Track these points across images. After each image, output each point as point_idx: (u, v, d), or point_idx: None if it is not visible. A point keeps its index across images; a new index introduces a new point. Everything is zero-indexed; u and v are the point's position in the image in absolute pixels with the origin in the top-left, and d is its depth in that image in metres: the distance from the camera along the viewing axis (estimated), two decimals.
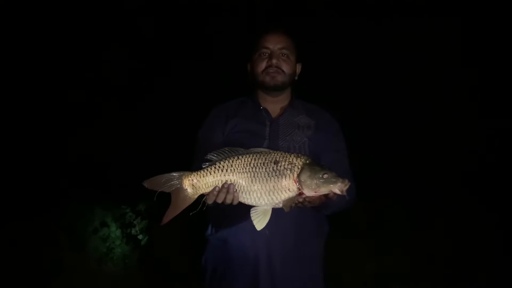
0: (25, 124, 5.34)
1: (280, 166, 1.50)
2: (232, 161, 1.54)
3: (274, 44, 1.79)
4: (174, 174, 1.56)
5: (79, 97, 5.66)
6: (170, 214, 1.57)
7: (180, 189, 1.55)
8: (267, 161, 1.52)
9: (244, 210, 1.57)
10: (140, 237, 3.71)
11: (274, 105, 1.88)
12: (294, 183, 1.49)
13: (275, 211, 1.56)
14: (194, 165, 1.73)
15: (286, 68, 1.81)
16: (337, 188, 1.47)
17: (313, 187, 1.47)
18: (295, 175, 1.49)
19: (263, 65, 1.80)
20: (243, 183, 1.52)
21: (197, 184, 1.55)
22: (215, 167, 1.54)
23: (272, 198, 1.51)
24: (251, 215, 1.54)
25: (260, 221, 1.53)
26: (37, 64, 5.63)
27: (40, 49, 5.61)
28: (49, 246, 3.77)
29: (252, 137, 1.78)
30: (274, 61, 1.78)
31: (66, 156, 5.18)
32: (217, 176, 1.54)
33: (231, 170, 1.53)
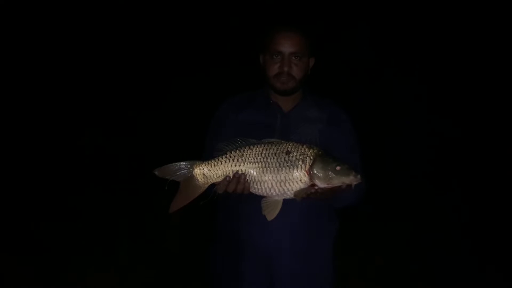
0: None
1: (292, 157, 1.49)
2: (244, 151, 1.52)
3: (286, 47, 1.74)
4: (185, 163, 1.55)
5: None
6: (179, 203, 1.56)
7: (191, 178, 1.55)
8: (278, 152, 1.50)
9: (256, 202, 1.55)
10: None
11: (285, 101, 1.85)
12: (306, 174, 1.47)
13: (285, 207, 1.54)
14: (205, 156, 1.72)
15: (297, 73, 1.76)
16: (350, 180, 1.45)
17: (326, 179, 1.45)
18: (307, 166, 1.47)
19: (274, 69, 1.76)
20: (254, 173, 1.51)
21: (208, 173, 1.54)
22: (226, 157, 1.53)
23: (283, 189, 1.49)
24: (262, 205, 1.53)
25: (270, 212, 1.52)
26: (53, 68, 5.74)
27: (60, 52, 5.74)
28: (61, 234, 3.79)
29: (263, 130, 1.76)
30: (285, 69, 1.74)
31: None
32: (228, 166, 1.53)
33: (242, 160, 1.52)
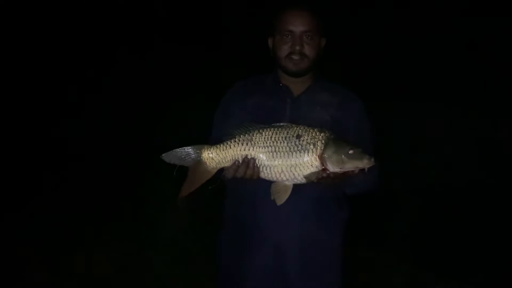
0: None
1: (303, 141, 1.45)
2: (253, 135, 1.49)
3: (297, 26, 1.69)
4: (193, 147, 1.52)
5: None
6: (188, 188, 1.53)
7: (199, 163, 1.52)
8: (289, 135, 1.46)
9: (265, 187, 1.52)
10: None
11: (295, 83, 1.80)
12: (318, 159, 1.43)
13: (295, 192, 1.51)
14: (212, 140, 1.69)
15: (309, 52, 1.71)
16: (364, 164, 1.41)
17: (338, 163, 1.41)
18: (319, 150, 1.43)
19: (285, 49, 1.71)
20: (264, 157, 1.47)
21: (217, 157, 1.51)
22: (235, 141, 1.50)
23: (293, 174, 1.46)
24: (272, 190, 1.49)
25: (280, 197, 1.49)
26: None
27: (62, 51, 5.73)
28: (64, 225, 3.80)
29: (272, 115, 1.71)
30: (297, 47, 1.68)
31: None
32: (237, 150, 1.49)
33: (251, 144, 1.48)
